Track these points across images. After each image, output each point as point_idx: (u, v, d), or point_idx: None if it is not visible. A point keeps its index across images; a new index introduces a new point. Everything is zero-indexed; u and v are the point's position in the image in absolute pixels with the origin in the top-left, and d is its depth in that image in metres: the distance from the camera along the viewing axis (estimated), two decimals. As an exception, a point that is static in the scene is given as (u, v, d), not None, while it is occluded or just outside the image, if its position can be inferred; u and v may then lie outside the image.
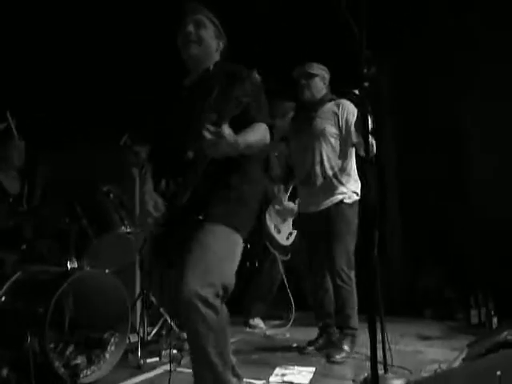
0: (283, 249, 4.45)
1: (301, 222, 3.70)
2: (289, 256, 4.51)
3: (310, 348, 3.54)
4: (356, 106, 3.37)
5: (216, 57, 2.31)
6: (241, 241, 2.08)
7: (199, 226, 2.02)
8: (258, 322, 4.64)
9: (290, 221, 4.42)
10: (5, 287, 2.94)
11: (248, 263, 4.74)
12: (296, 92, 3.59)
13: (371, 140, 2.95)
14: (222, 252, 1.99)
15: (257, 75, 1.86)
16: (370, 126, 2.77)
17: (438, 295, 4.88)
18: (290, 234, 4.41)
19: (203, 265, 1.92)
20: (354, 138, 3.31)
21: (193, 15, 2.26)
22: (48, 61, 4.79)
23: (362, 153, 3.30)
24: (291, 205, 4.32)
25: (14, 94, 4.48)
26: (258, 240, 4.41)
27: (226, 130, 1.83)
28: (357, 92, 1.71)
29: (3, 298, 2.91)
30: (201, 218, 2.01)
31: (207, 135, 1.81)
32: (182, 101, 2.25)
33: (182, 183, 2.04)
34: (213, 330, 1.90)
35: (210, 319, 1.88)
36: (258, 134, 2.04)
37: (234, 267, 2.03)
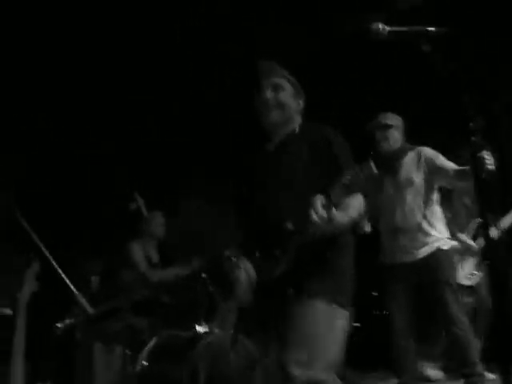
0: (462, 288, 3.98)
1: (391, 273, 3.52)
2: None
3: None
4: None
5: (297, 117, 2.22)
6: (345, 315, 2.01)
7: (299, 301, 1.96)
8: (432, 371, 4.03)
9: (470, 260, 4.10)
10: (145, 353, 3.20)
11: (375, 311, 4.58)
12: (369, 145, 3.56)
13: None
14: (326, 337, 1.93)
15: (358, 171, 1.78)
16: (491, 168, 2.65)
17: None
18: (472, 274, 4.08)
19: (309, 351, 1.88)
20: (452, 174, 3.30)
21: (269, 78, 2.16)
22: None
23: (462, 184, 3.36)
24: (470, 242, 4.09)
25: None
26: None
27: (336, 214, 1.80)
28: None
29: (145, 363, 3.16)
30: (294, 291, 1.97)
31: (316, 219, 1.76)
32: (269, 167, 2.16)
33: (279, 254, 1.96)
34: None
35: None
36: (358, 206, 2.00)
37: (340, 344, 1.97)
